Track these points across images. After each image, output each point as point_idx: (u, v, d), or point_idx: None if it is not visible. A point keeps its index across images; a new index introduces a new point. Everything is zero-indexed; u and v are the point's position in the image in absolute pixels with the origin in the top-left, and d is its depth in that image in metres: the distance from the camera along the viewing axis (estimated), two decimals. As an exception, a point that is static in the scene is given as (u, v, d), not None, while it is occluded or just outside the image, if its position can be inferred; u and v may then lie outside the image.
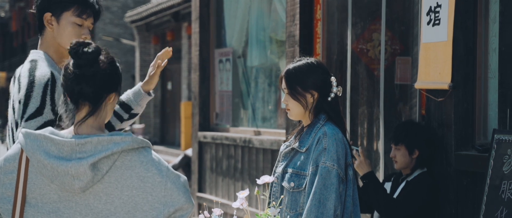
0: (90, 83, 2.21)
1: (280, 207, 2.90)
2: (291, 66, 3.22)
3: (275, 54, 6.95)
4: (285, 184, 3.13)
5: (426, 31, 4.08)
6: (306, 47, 5.86)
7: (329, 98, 3.14)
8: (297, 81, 3.15)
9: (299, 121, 3.26)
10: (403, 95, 5.07)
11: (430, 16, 4.03)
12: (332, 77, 3.17)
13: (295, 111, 3.17)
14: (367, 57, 5.43)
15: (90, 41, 2.27)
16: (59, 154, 2.18)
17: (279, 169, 3.21)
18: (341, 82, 5.61)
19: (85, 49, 2.20)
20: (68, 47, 2.21)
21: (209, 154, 7.86)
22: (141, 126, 18.89)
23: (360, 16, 5.47)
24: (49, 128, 2.24)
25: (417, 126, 4.18)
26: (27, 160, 2.22)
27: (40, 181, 2.22)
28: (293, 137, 3.24)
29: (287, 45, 6.07)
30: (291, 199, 3.10)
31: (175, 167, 9.62)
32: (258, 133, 7.02)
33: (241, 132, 7.34)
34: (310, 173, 3.05)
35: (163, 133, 21.43)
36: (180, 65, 18.90)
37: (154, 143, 19.45)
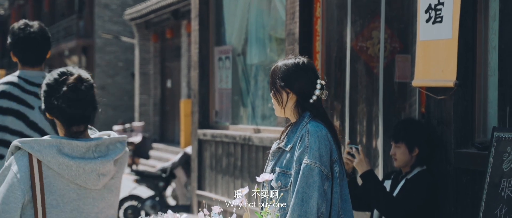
0: (88, 108, 2.58)
1: (281, 204, 2.90)
2: (278, 62, 3.24)
3: (275, 52, 6.95)
4: (273, 183, 3.13)
5: (424, 28, 4.07)
6: (306, 45, 5.86)
7: (311, 101, 3.14)
8: (277, 78, 3.18)
9: (287, 119, 3.27)
10: (403, 93, 5.07)
11: (430, 13, 4.03)
12: (319, 80, 3.17)
13: (275, 107, 3.22)
14: (367, 55, 5.43)
15: (80, 72, 2.61)
16: (79, 154, 2.49)
17: (268, 168, 3.21)
18: (340, 80, 5.61)
19: (83, 86, 2.55)
20: (58, 80, 2.54)
21: (208, 151, 7.87)
22: (141, 123, 18.89)
23: (359, 14, 5.47)
24: (55, 135, 2.53)
25: (417, 124, 4.18)
26: (39, 166, 2.44)
27: (60, 183, 2.47)
28: (281, 135, 3.25)
29: (287, 43, 6.07)
30: (280, 198, 3.09)
31: (175, 165, 9.62)
32: (257, 131, 7.02)
33: (241, 130, 7.34)
34: (294, 171, 3.06)
35: (163, 130, 21.43)
36: (180, 63, 18.90)
37: (153, 141, 19.45)
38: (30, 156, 2.45)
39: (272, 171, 3.17)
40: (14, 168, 2.46)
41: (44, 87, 2.59)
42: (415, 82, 4.17)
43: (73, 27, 28.24)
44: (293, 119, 3.19)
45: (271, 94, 3.23)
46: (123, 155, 2.61)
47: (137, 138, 16.82)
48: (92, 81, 2.62)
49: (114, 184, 2.60)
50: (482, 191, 3.58)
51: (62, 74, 2.58)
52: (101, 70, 26.44)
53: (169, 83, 20.78)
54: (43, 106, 2.60)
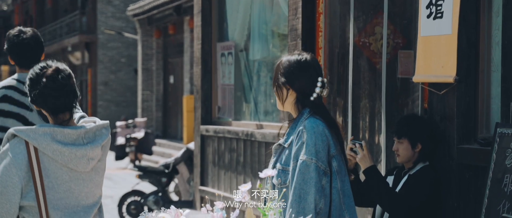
0: (68, 96, 2.84)
1: (283, 200, 2.90)
2: (283, 58, 3.24)
3: (277, 48, 6.95)
4: (274, 180, 3.13)
5: (425, 24, 4.07)
6: (308, 41, 5.85)
7: (312, 98, 3.14)
8: (279, 74, 3.18)
9: (290, 115, 3.27)
10: (405, 89, 5.06)
11: (431, 9, 4.02)
12: (320, 78, 3.16)
13: (277, 101, 3.23)
14: (369, 51, 5.42)
15: (57, 65, 2.87)
16: (70, 141, 2.78)
17: (270, 165, 3.22)
18: (343, 76, 5.60)
19: (60, 76, 2.81)
20: (39, 73, 2.81)
21: (211, 147, 7.87)
22: (143, 119, 18.90)
23: (362, 9, 5.47)
24: (44, 123, 2.86)
25: (420, 120, 4.18)
26: (35, 152, 2.73)
27: (54, 167, 2.77)
28: (280, 131, 3.26)
29: (290, 39, 6.06)
30: (280, 194, 3.09)
31: (178, 161, 9.63)
32: (260, 127, 7.02)
33: (243, 126, 7.34)
34: (291, 168, 3.05)
35: (166, 126, 21.44)
36: (182, 59, 18.90)
37: (156, 137, 19.46)
38: (26, 143, 2.73)
39: (274, 167, 3.17)
40: (11, 153, 2.73)
41: (27, 81, 2.86)
42: (416, 78, 4.17)
43: (76, 23, 28.25)
44: (294, 115, 3.20)
45: (273, 89, 3.24)
46: (108, 140, 2.91)
47: (139, 134, 16.83)
48: (69, 71, 2.88)
49: (100, 166, 2.90)
50: (485, 186, 3.58)
51: (42, 68, 2.85)
52: (104, 66, 26.45)
53: (171, 79, 20.79)
54: (29, 99, 2.86)
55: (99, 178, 2.91)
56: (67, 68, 2.89)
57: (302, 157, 3.02)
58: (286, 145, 3.13)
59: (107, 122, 2.94)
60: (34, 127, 2.76)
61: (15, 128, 2.75)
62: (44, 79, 2.80)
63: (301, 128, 3.07)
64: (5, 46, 4.23)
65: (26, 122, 4.08)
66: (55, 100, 2.81)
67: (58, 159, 2.76)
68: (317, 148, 3.02)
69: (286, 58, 3.22)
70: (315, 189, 2.98)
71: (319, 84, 3.15)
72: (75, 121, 2.94)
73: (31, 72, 2.85)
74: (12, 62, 4.25)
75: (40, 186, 2.73)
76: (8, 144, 2.76)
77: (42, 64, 2.87)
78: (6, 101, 4.08)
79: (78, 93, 2.91)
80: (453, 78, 3.86)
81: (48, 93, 2.80)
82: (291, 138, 3.11)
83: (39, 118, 4.10)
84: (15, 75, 4.20)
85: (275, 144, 3.22)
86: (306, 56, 3.20)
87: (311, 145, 3.02)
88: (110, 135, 2.92)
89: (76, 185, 2.82)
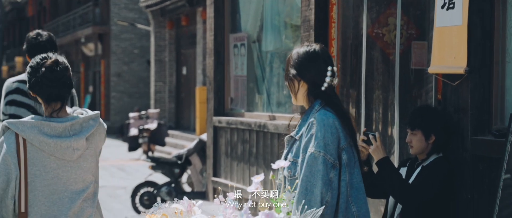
0: (63, 88, 3.09)
1: (295, 191, 2.90)
2: (294, 50, 3.24)
3: (290, 39, 6.94)
4: (285, 172, 3.13)
5: (440, 15, 4.05)
6: (321, 32, 5.84)
7: (323, 88, 3.14)
8: (290, 66, 3.19)
9: (303, 107, 3.26)
10: (419, 80, 5.03)
11: (444, 0, 4.00)
12: (330, 67, 3.15)
13: (292, 95, 3.23)
14: (383, 41, 5.40)
15: (57, 57, 3.11)
16: (56, 133, 3.03)
17: (282, 157, 3.22)
18: (356, 67, 5.58)
19: (58, 68, 3.07)
20: (40, 64, 3.07)
21: (224, 138, 7.88)
22: (156, 110, 18.95)
23: (375, 0, 5.44)
24: (34, 116, 3.07)
25: (433, 111, 4.16)
26: (24, 143, 3.01)
27: (41, 156, 3.03)
28: (293, 125, 3.26)
29: (302, 29, 6.05)
30: (291, 187, 3.09)
31: (190, 152, 9.65)
32: (272, 118, 7.02)
33: (256, 117, 7.34)
34: (300, 160, 3.05)
35: (178, 117, 21.48)
36: (195, 50, 18.92)
37: (169, 128, 19.51)
38: (16, 135, 3.01)
39: (285, 160, 3.17)
40: (5, 144, 3.03)
41: (28, 68, 3.11)
42: (431, 69, 4.15)
43: (89, 14, 28.32)
44: (306, 107, 3.20)
45: (285, 82, 3.24)
46: (96, 129, 3.13)
47: (152, 125, 16.87)
48: (67, 65, 3.13)
49: (89, 153, 3.12)
50: (499, 178, 3.56)
51: (43, 58, 3.09)
52: (117, 57, 26.51)
53: (184, 71, 20.81)
54: (27, 86, 3.12)
55: (88, 164, 3.13)
56: (65, 61, 3.14)
57: (311, 149, 3.01)
58: (297, 137, 3.13)
59: (96, 112, 3.16)
60: (24, 119, 3.04)
61: (8, 121, 3.04)
62: (43, 69, 3.05)
63: (311, 120, 3.07)
64: (24, 46, 4.88)
65: (35, 112, 4.67)
66: (50, 89, 3.06)
67: (45, 149, 3.02)
68: (326, 140, 3.01)
69: (296, 50, 3.22)
70: (322, 182, 2.98)
71: (328, 73, 3.14)
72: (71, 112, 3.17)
73: (32, 61, 3.11)
74: (29, 60, 4.63)
75: (24, 173, 3.01)
76: (3, 136, 3.06)
77: (43, 55, 3.12)
78: (19, 93, 4.72)
79: (72, 85, 3.18)
80: (464, 69, 3.84)
81: (44, 82, 3.05)
82: (302, 130, 3.11)
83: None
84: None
85: (287, 136, 3.22)
86: (315, 47, 3.20)
87: (320, 138, 3.01)
88: (99, 124, 3.15)
89: (64, 172, 3.07)
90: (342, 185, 3.05)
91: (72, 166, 3.08)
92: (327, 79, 3.14)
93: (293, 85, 3.19)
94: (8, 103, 4.74)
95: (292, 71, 3.17)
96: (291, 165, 3.11)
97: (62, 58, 3.13)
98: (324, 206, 2.94)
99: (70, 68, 3.18)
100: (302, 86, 3.16)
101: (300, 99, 3.20)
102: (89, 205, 3.14)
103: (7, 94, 4.75)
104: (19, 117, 4.57)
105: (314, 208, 2.89)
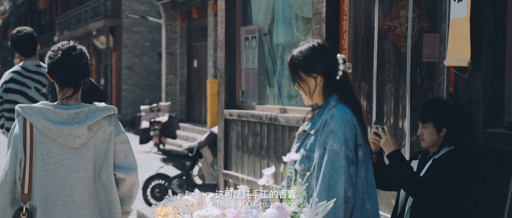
0: (76, 74, 3.22)
1: (306, 184, 2.90)
2: (293, 52, 3.20)
3: (301, 32, 6.92)
4: (297, 166, 3.12)
5: (454, 7, 4.04)
6: (333, 25, 5.82)
7: (338, 77, 3.11)
8: (299, 68, 3.15)
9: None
10: (431, 73, 5.01)
11: (458, -8, 3.98)
12: (338, 55, 3.14)
13: (303, 96, 3.19)
14: (394, 34, 5.38)
15: (75, 44, 3.26)
16: (60, 120, 3.16)
17: (293, 150, 3.20)
18: (368, 60, 5.57)
19: (74, 53, 3.21)
20: (59, 48, 3.22)
21: (235, 131, 7.89)
22: (167, 103, 18.99)
23: (387, -8, 5.42)
24: (45, 102, 3.21)
25: (445, 104, 4.14)
26: (31, 127, 3.14)
27: (45, 141, 3.16)
28: (305, 117, 3.24)
29: (314, 22, 6.03)
30: (303, 181, 3.09)
31: (201, 145, 9.67)
32: (284, 111, 7.02)
33: (267, 110, 7.34)
34: (318, 156, 3.03)
35: (189, 110, 21.52)
36: (206, 43, 18.92)
37: (180, 121, 19.55)
38: (24, 119, 3.17)
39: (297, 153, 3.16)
40: (17, 127, 3.19)
41: (49, 53, 3.26)
42: (446, 61, 4.13)
43: (100, 7, 28.38)
44: (321, 102, 3.18)
45: (295, 87, 3.20)
46: (100, 121, 3.21)
47: (164, 118, 16.91)
48: (84, 52, 3.26)
49: (93, 143, 3.21)
50: (511, 171, 3.55)
51: (63, 44, 3.24)
52: (128, 50, 26.56)
53: (195, 63, 20.83)
54: (46, 70, 3.27)
55: (91, 153, 3.21)
56: (83, 48, 3.28)
57: (332, 145, 2.99)
58: (312, 132, 3.11)
59: (108, 106, 3.25)
60: (33, 104, 3.20)
61: (19, 105, 3.21)
62: (60, 52, 3.19)
63: (329, 115, 3.05)
64: (9, 43, 5.93)
65: (26, 96, 5.75)
66: (64, 73, 3.19)
67: (48, 135, 3.15)
68: (346, 136, 3.00)
69: (297, 51, 3.19)
70: (345, 177, 2.97)
71: (340, 61, 3.13)
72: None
73: (53, 47, 3.29)
74: (18, 54, 6.02)
75: (29, 157, 3.14)
76: (16, 119, 3.22)
77: (64, 42, 3.28)
78: (13, 82, 5.86)
79: (89, 74, 3.30)
80: (468, 62, 3.83)
81: (59, 65, 3.19)
82: (318, 125, 3.09)
83: (37, 93, 5.70)
84: (21, 63, 5.98)
85: (300, 130, 3.21)
86: (316, 41, 3.19)
87: (340, 133, 3.00)
88: (105, 118, 3.23)
89: (67, 158, 3.19)
90: (358, 182, 3.04)
91: (75, 153, 3.18)
92: (341, 66, 3.12)
93: (308, 85, 3.15)
94: (5, 90, 5.86)
95: (303, 70, 3.14)
96: (305, 159, 3.09)
97: (79, 46, 3.26)
98: (334, 199, 2.94)
99: (88, 58, 3.28)
100: (319, 83, 3.13)
101: (316, 97, 3.16)
102: (89, 195, 3.21)
103: (3, 83, 5.86)
104: (14, 102, 5.69)
105: (325, 201, 2.89)
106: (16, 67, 5.89)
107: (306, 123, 3.24)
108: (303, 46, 3.17)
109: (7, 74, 5.86)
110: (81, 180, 3.19)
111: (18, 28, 5.93)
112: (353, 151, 3.02)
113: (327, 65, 3.12)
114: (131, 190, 3.31)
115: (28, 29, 5.92)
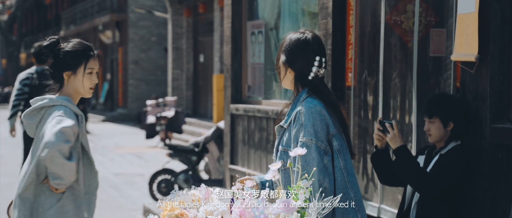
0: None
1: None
2: (287, 35, 3.23)
3: (308, 27, 6.91)
4: (278, 162, 3.12)
5: (461, 1, 4.02)
6: (339, 19, 5.81)
7: (309, 78, 3.12)
8: (282, 51, 3.18)
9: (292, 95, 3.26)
10: (437, 68, 5.00)
11: (466, -14, 3.97)
12: (318, 57, 3.12)
13: (278, 78, 3.25)
14: (401, 29, 5.36)
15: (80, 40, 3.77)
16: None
17: (274, 147, 3.22)
18: (374, 55, 5.56)
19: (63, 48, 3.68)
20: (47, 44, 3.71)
21: (241, 126, 7.89)
22: (174, 98, 19.00)
23: (394, -13, 5.40)
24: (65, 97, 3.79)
25: (451, 99, 4.14)
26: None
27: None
28: (284, 112, 3.26)
29: (320, 17, 6.03)
30: (284, 177, 3.09)
31: (208, 139, 9.67)
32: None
33: (273, 105, 7.34)
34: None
35: (196, 105, 21.53)
36: (212, 38, 18.91)
37: (186, 115, 19.56)
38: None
39: (277, 149, 3.18)
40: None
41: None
42: (453, 56, 4.12)
43: (106, 1, 28.39)
44: (293, 91, 3.21)
45: (276, 65, 3.25)
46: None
47: (170, 113, 16.92)
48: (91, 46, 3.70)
49: (42, 130, 3.59)
50: (518, 167, 3.54)
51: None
52: (134, 45, 26.58)
53: (201, 58, 20.83)
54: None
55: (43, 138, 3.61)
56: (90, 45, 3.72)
57: (302, 138, 3.01)
58: (285, 126, 3.13)
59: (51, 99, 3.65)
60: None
61: (50, 98, 3.68)
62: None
63: (298, 109, 3.07)
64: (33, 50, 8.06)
65: (39, 94, 6.34)
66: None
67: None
68: (316, 128, 3.01)
69: (289, 36, 3.21)
70: (318, 169, 2.98)
71: (316, 63, 3.12)
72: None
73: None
74: (33, 60, 8.17)
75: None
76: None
77: (77, 40, 3.76)
78: (27, 80, 7.87)
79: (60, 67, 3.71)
80: (475, 57, 3.82)
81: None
82: (290, 118, 3.11)
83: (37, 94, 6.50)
84: (33, 67, 7.95)
85: (276, 126, 3.22)
86: (307, 34, 3.17)
87: (309, 126, 3.01)
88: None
89: (34, 144, 3.67)
90: (336, 171, 3.05)
91: (37, 138, 3.66)
92: (314, 69, 3.11)
93: (280, 70, 3.20)
94: (18, 90, 7.79)
95: (282, 57, 3.17)
96: (283, 154, 3.11)
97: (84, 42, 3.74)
98: (341, 194, 2.94)
99: (60, 47, 3.65)
100: (289, 73, 3.16)
101: (287, 84, 3.20)
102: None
103: (19, 84, 7.46)
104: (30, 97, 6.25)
105: (331, 196, 2.89)
106: (30, 70, 7.70)
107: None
108: (295, 35, 3.19)
109: (21, 77, 7.59)
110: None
111: (38, 43, 7.41)
112: (325, 142, 3.02)
113: (303, 64, 3.13)
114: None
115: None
